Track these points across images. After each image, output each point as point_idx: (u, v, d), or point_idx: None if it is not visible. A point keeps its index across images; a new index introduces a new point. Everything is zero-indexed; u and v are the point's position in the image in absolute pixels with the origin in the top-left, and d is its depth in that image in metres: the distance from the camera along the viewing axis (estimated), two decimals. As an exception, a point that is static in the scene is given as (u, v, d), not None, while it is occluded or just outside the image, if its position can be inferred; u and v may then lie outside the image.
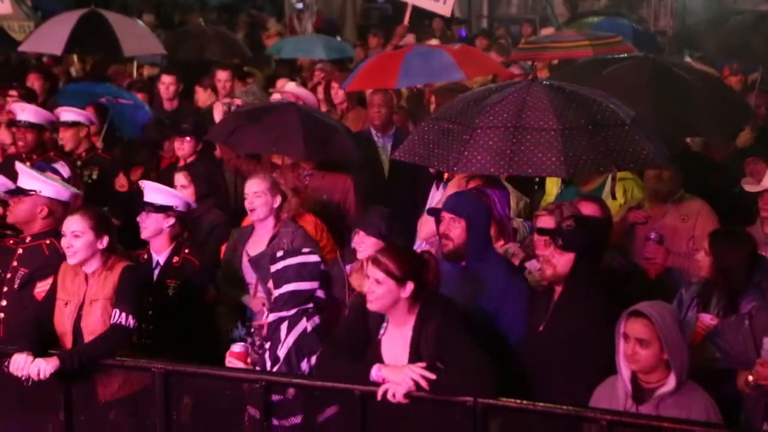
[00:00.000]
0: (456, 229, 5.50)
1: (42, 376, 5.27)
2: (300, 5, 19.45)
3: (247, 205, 6.87)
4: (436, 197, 7.04)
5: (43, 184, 6.17)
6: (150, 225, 6.36)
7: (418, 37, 16.46)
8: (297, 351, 5.25)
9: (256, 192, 6.82)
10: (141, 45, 12.75)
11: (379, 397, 4.75)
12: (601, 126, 5.74)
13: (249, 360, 5.43)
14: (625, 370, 4.77)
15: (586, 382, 4.92)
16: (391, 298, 4.87)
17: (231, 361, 5.41)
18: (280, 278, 5.33)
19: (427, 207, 6.58)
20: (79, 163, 8.54)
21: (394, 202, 6.92)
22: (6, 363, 5.35)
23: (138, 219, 6.41)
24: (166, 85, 10.71)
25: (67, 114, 8.69)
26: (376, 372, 4.79)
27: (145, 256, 6.39)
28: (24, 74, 11.51)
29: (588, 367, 5.01)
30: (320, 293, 5.35)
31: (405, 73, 9.73)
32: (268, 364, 5.31)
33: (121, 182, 8.58)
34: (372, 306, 4.91)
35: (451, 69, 9.70)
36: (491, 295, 5.39)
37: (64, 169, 7.45)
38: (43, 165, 7.39)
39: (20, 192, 6.18)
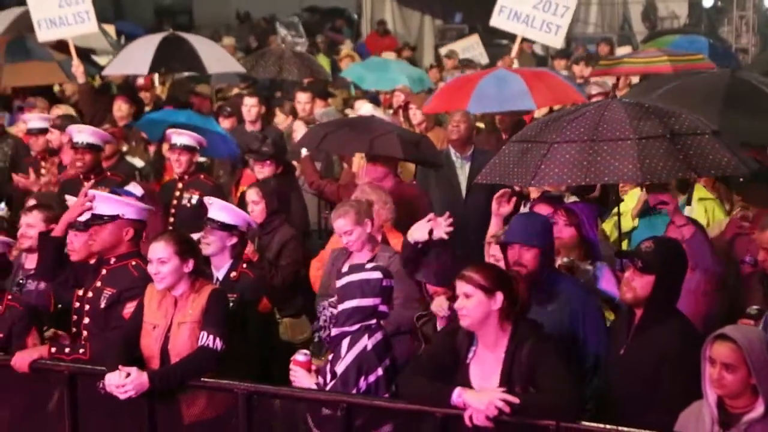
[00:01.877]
0: (527, 255, 5.47)
1: (132, 394, 5.37)
2: None
3: (344, 244, 6.81)
4: None
5: (126, 207, 6.13)
6: (213, 243, 6.41)
7: (494, 56, 16.51)
8: (356, 368, 5.27)
9: (346, 231, 6.72)
10: (222, 64, 12.98)
11: (467, 423, 4.74)
12: (679, 135, 5.75)
13: (313, 368, 5.48)
14: (710, 394, 4.69)
15: (670, 407, 4.85)
16: (482, 311, 4.88)
17: (294, 370, 5.45)
18: (344, 294, 5.37)
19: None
20: (180, 185, 8.56)
21: (470, 223, 6.92)
22: (101, 384, 5.44)
23: (201, 235, 6.46)
24: (249, 107, 10.83)
25: (181, 138, 8.63)
26: (457, 396, 4.79)
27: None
28: (110, 98, 11.74)
29: (672, 391, 4.95)
30: (383, 308, 5.35)
31: (477, 98, 9.73)
32: (328, 377, 5.34)
33: (208, 201, 8.61)
34: (464, 322, 4.91)
35: (522, 97, 9.66)
36: (568, 316, 5.38)
37: (137, 189, 7.52)
38: (117, 189, 7.47)
39: (99, 219, 6.09)
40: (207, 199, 6.72)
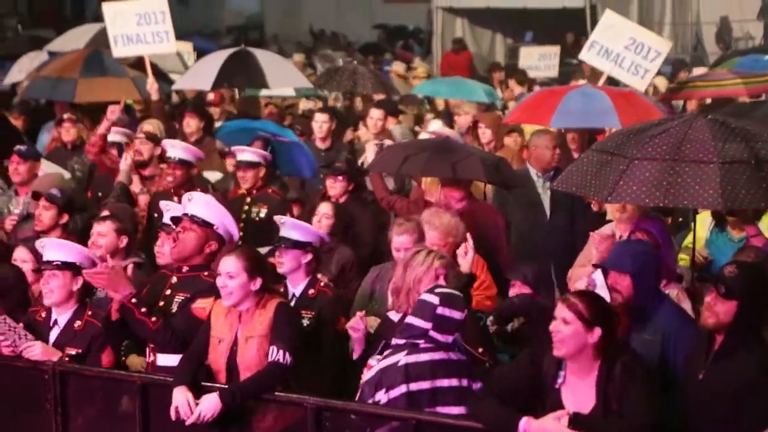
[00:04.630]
0: (623, 283, 5.41)
1: (205, 420, 5.41)
2: None
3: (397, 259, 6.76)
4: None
5: (222, 221, 6.08)
6: (287, 261, 6.40)
7: (566, 76, 16.42)
8: (378, 379, 5.26)
9: (407, 248, 6.60)
10: (287, 79, 13.05)
11: None
12: (765, 162, 5.60)
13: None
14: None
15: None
16: (577, 342, 4.83)
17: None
18: (414, 307, 5.39)
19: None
20: (248, 199, 8.62)
21: (554, 245, 6.85)
22: (173, 411, 5.47)
23: (275, 255, 6.44)
24: (320, 123, 10.83)
25: (246, 154, 8.71)
26: (524, 425, 4.75)
27: (282, 289, 6.38)
28: (181, 114, 11.87)
29: (750, 419, 4.84)
30: (435, 335, 5.24)
31: (561, 112, 9.62)
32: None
33: (280, 221, 8.61)
34: (558, 351, 4.86)
35: (608, 115, 9.52)
36: (661, 344, 5.31)
37: None
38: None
39: (193, 219, 6.00)
40: (278, 218, 6.70)
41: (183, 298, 5.95)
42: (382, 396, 5.23)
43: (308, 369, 6.00)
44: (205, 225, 6.03)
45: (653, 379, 4.87)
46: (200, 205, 6.10)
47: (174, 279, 6.07)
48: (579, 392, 4.85)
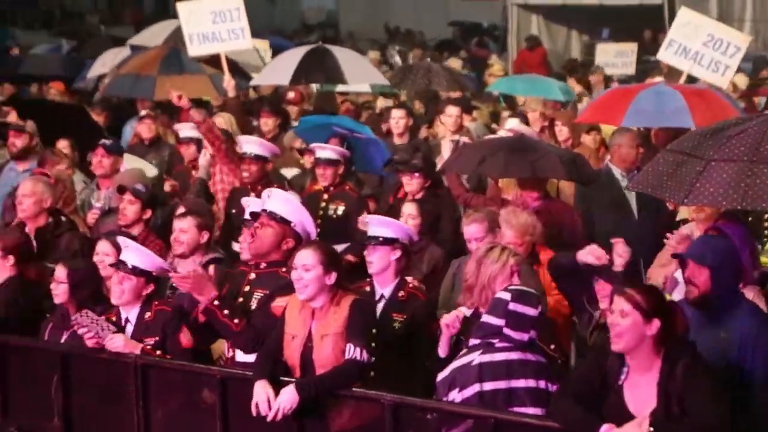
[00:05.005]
0: (701, 276, 5.34)
1: (283, 414, 5.45)
2: None
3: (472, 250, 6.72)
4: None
5: (300, 218, 6.10)
6: (377, 260, 6.32)
7: (643, 73, 16.25)
8: (452, 378, 5.24)
9: (477, 238, 6.67)
10: (364, 75, 13.10)
11: None
12: None
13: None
14: None
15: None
16: (636, 334, 4.76)
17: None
18: (489, 306, 5.37)
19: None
20: (325, 196, 8.66)
21: (642, 244, 6.78)
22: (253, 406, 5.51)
23: (364, 254, 6.43)
24: (396, 119, 10.85)
25: (326, 152, 8.74)
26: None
27: (367, 288, 6.38)
28: (258, 111, 11.98)
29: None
30: (509, 331, 5.21)
31: (633, 112, 9.52)
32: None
33: (364, 221, 8.56)
34: (616, 346, 4.80)
35: (681, 114, 9.41)
36: (737, 343, 5.20)
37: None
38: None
39: (271, 216, 6.04)
40: (364, 217, 6.70)
41: (262, 294, 5.99)
42: (455, 395, 5.22)
43: (398, 373, 6.02)
44: (283, 222, 6.06)
45: (718, 379, 4.77)
46: (279, 201, 6.14)
47: (252, 275, 6.11)
48: (640, 391, 4.79)
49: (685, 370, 4.71)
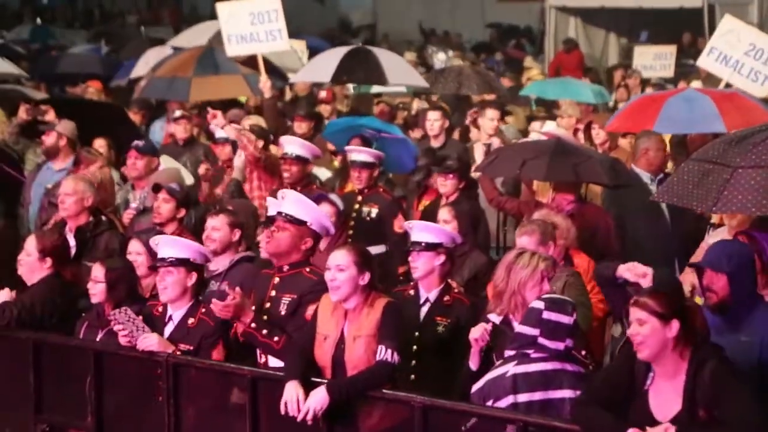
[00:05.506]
0: (719, 282, 5.29)
1: (313, 415, 5.46)
2: None
3: None
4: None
5: (316, 217, 6.14)
6: (421, 265, 6.27)
7: (682, 76, 16.14)
8: (487, 390, 5.22)
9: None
10: (405, 77, 13.13)
11: None
12: None
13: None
14: None
15: None
16: (657, 339, 4.74)
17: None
18: (523, 316, 5.35)
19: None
20: (359, 198, 8.66)
21: (677, 246, 6.74)
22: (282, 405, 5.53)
23: (409, 259, 6.39)
24: (432, 121, 10.80)
25: (361, 155, 8.73)
26: None
27: (411, 292, 6.38)
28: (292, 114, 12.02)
29: None
30: (544, 341, 5.20)
31: (664, 119, 9.45)
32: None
33: (399, 223, 8.34)
34: (641, 354, 4.77)
35: (712, 119, 9.33)
36: (759, 346, 5.17)
37: (340, 202, 7.62)
38: (322, 195, 7.54)
39: (286, 218, 6.07)
40: (407, 224, 6.66)
41: (290, 299, 6.00)
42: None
43: (439, 376, 6.02)
44: (299, 223, 6.07)
45: (747, 381, 4.74)
46: (293, 203, 6.16)
47: (276, 279, 6.12)
48: (665, 396, 4.77)
49: (713, 374, 4.68)
